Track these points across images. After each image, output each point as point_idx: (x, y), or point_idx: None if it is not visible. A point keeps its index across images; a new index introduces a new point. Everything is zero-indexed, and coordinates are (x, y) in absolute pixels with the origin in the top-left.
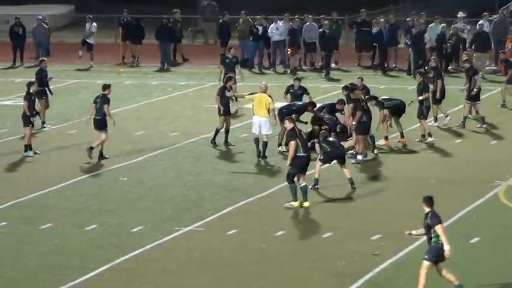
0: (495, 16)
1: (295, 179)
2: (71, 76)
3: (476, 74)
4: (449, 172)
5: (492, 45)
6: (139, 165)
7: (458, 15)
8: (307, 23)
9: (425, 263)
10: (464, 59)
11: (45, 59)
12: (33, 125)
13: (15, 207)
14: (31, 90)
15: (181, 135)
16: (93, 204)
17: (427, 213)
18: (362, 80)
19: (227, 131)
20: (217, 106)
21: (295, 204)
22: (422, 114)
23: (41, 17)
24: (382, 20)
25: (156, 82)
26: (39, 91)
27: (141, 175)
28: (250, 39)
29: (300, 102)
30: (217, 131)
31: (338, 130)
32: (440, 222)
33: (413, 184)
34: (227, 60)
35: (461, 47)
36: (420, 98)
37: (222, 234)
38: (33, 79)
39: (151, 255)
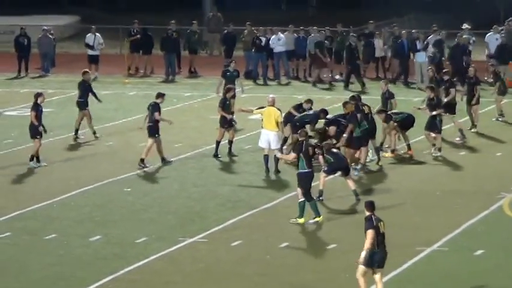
0: (500, 28)
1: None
2: (76, 87)
3: (453, 87)
4: (455, 184)
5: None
6: (143, 176)
7: (463, 27)
8: (312, 35)
9: (360, 268)
10: (444, 70)
11: (88, 71)
12: (41, 136)
13: (20, 218)
14: (38, 101)
15: (186, 147)
16: (97, 215)
17: (365, 217)
18: (386, 84)
19: (230, 142)
20: (219, 117)
21: (300, 221)
22: (437, 129)
23: (46, 28)
24: (404, 31)
25: None
26: (80, 102)
27: (146, 186)
28: (253, 50)
29: (311, 112)
30: (217, 143)
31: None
32: (371, 227)
33: (418, 196)
34: (228, 74)
35: (466, 59)
36: (434, 113)
37: (226, 245)
38: (41, 90)
39: (155, 266)
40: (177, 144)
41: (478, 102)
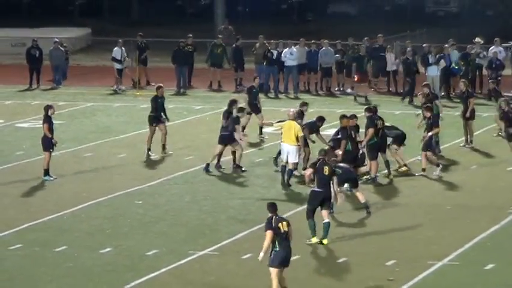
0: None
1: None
2: (87, 99)
3: (437, 98)
4: (465, 198)
5: None
6: (154, 188)
7: (475, 41)
8: (323, 48)
9: (271, 270)
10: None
11: (162, 85)
12: (53, 149)
13: (31, 229)
14: (49, 113)
15: (197, 159)
16: (108, 228)
17: (267, 219)
18: (428, 89)
19: (234, 153)
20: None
21: (314, 240)
22: (431, 147)
23: (57, 40)
24: (409, 48)
25: (172, 106)
26: (153, 117)
27: (156, 199)
28: (264, 63)
29: (309, 120)
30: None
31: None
32: (268, 229)
33: (428, 210)
34: (254, 90)
35: (478, 72)
36: (430, 133)
37: (236, 258)
38: (51, 102)
39: (166, 278)
40: (187, 157)
41: (472, 117)
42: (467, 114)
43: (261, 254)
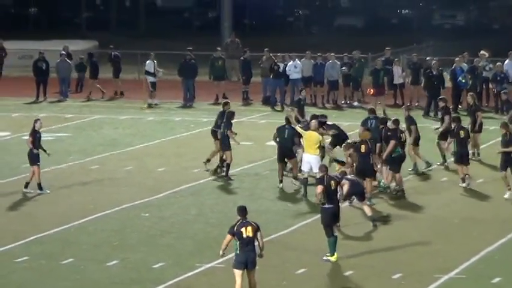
0: None
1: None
2: (93, 112)
3: (449, 114)
4: (472, 212)
5: None
6: (161, 201)
7: (480, 54)
8: (330, 61)
9: (234, 270)
10: (440, 97)
11: (229, 101)
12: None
13: (37, 242)
14: (36, 127)
15: (204, 172)
16: (115, 240)
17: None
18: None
19: (222, 161)
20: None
21: (332, 258)
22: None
23: (64, 53)
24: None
25: (179, 118)
26: (215, 131)
27: (163, 211)
28: (271, 76)
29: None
30: (228, 166)
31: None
32: (228, 233)
33: (436, 223)
34: (301, 102)
35: (484, 85)
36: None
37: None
38: (39, 116)
39: None
40: (194, 169)
41: (480, 131)
42: (476, 128)
43: (220, 252)
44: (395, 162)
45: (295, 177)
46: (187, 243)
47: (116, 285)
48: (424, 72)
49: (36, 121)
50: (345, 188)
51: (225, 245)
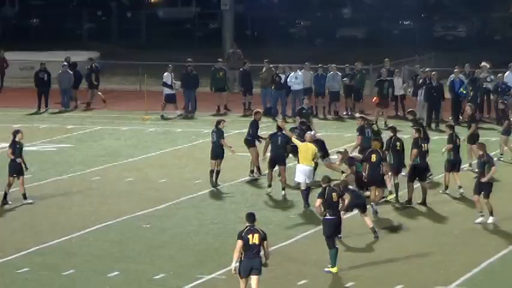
0: None
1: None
2: (95, 122)
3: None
4: (473, 223)
5: None
6: (162, 212)
7: (481, 65)
8: (331, 72)
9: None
10: (409, 110)
11: (260, 111)
12: (22, 174)
13: (38, 253)
14: (17, 139)
15: (205, 183)
16: (116, 251)
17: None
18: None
19: (217, 172)
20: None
21: (333, 270)
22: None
23: (66, 64)
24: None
25: (180, 129)
26: (249, 140)
27: (164, 222)
28: (273, 87)
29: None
30: (217, 173)
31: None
32: (238, 238)
33: (436, 235)
34: (303, 111)
35: (485, 97)
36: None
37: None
38: (19, 127)
39: None
40: (196, 180)
41: (474, 142)
42: (471, 140)
43: (233, 264)
44: (414, 171)
45: (284, 188)
46: (188, 255)
47: None
48: (424, 84)
49: (16, 132)
50: (347, 200)
51: (238, 252)
